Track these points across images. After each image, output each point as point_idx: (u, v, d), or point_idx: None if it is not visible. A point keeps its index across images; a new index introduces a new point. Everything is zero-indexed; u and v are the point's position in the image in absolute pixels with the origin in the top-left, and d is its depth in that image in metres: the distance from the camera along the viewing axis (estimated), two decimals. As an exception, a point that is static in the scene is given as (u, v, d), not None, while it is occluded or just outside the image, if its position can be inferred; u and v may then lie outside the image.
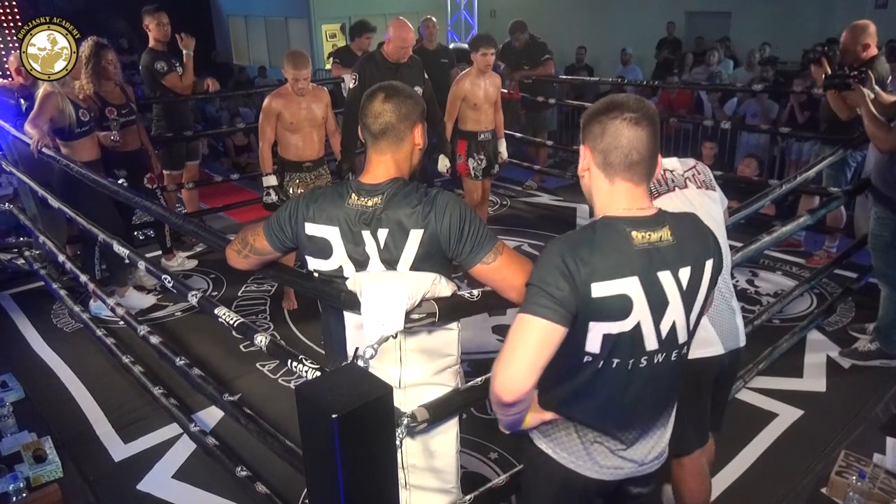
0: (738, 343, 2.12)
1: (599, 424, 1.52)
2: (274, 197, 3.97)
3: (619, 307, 1.37)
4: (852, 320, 3.90)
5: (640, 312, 1.39)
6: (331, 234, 1.74)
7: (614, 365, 1.43)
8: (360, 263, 1.74)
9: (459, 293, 1.80)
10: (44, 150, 3.72)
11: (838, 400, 3.20)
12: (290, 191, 3.98)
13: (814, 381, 3.35)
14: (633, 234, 1.38)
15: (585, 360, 1.42)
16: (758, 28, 9.76)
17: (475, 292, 1.80)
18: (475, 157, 4.65)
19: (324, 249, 1.77)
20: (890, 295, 3.33)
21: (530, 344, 1.35)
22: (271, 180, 3.97)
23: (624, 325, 1.39)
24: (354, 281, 1.70)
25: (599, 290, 1.35)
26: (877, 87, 3.32)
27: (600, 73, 10.07)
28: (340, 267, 1.77)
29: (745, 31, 10.09)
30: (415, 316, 1.67)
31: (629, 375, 1.45)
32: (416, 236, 1.70)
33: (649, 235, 1.39)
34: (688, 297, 1.44)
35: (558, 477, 1.58)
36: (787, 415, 3.09)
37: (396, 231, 1.70)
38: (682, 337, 1.47)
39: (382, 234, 1.71)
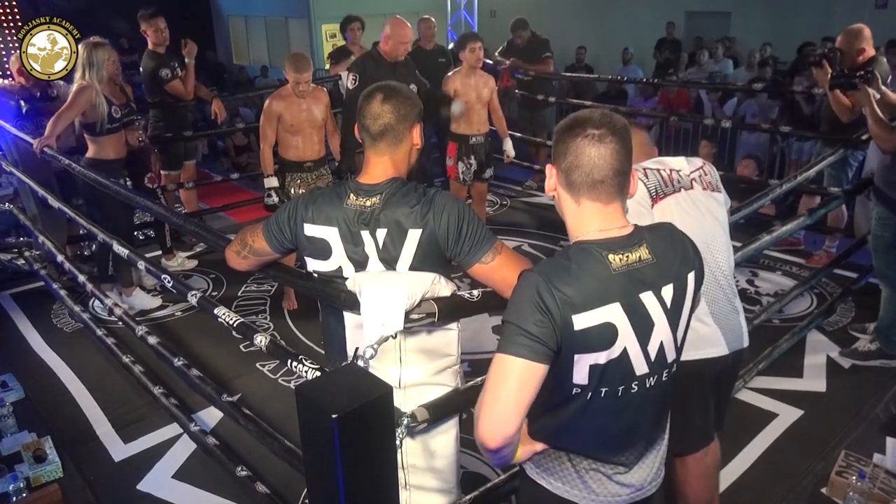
0: (741, 344, 2.13)
1: (593, 453, 1.46)
2: (275, 198, 3.97)
3: (603, 336, 1.32)
4: (852, 320, 3.90)
5: (626, 338, 1.34)
6: (330, 234, 1.75)
7: (603, 394, 1.37)
8: (360, 264, 1.75)
9: (459, 293, 1.80)
10: (46, 149, 3.72)
11: (838, 400, 3.20)
12: (292, 191, 3.99)
13: (814, 381, 3.35)
14: (611, 257, 1.32)
15: (574, 391, 1.37)
16: (758, 28, 9.76)
17: (475, 292, 1.79)
18: (465, 160, 4.61)
19: (323, 250, 1.77)
20: (890, 296, 3.33)
21: (511, 386, 1.29)
22: (272, 182, 3.98)
23: (611, 354, 1.33)
24: (354, 281, 1.71)
25: (581, 321, 1.29)
26: (883, 88, 3.32)
27: (600, 72, 10.05)
28: (340, 267, 1.78)
29: (745, 31, 10.08)
30: (414, 316, 1.67)
31: (620, 403, 1.39)
32: (414, 236, 1.70)
33: (627, 257, 1.33)
34: (673, 314, 1.39)
35: None
36: (787, 415, 3.09)
37: (395, 231, 1.71)
38: (670, 356, 1.42)
39: (381, 234, 1.72)
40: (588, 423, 1.41)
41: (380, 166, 1.77)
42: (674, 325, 1.40)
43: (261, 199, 6.09)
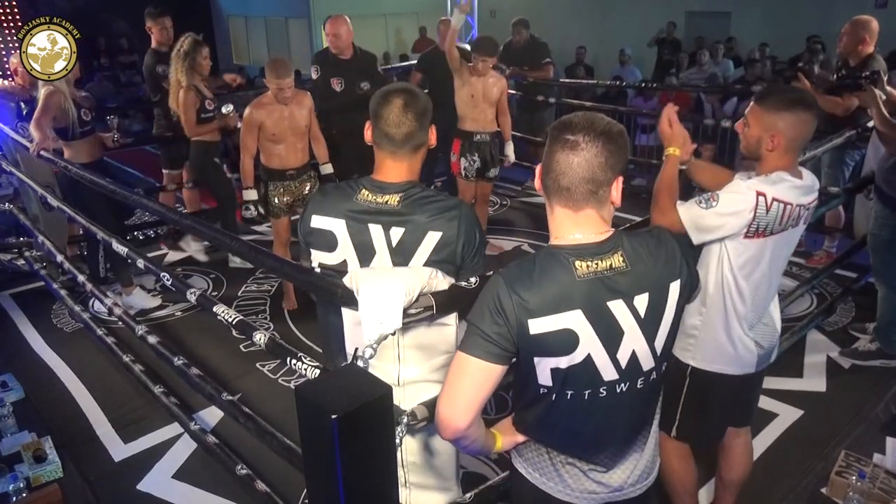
0: (769, 361, 2.16)
1: (566, 449, 1.48)
2: (254, 211, 3.90)
3: (562, 342, 1.32)
4: (852, 320, 3.90)
5: (590, 345, 1.33)
6: (336, 226, 1.77)
7: (569, 396, 1.38)
8: (367, 256, 1.76)
9: (456, 284, 1.79)
10: (42, 153, 3.72)
11: (838, 400, 3.20)
12: (276, 200, 3.92)
13: (814, 381, 3.36)
14: (577, 263, 1.32)
15: (541, 391, 1.39)
16: (758, 28, 9.76)
17: (472, 280, 1.78)
18: (468, 157, 4.55)
19: (329, 242, 1.79)
20: (887, 295, 3.33)
21: (466, 383, 1.33)
22: (251, 195, 3.89)
23: (573, 359, 1.33)
24: (351, 278, 1.70)
25: (537, 326, 1.30)
26: (888, 88, 3.32)
27: (600, 72, 10.06)
28: (344, 260, 1.79)
29: (745, 31, 10.09)
30: (412, 311, 1.66)
31: (588, 406, 1.39)
32: (433, 238, 1.73)
33: (596, 264, 1.32)
34: (648, 323, 1.37)
35: (533, 498, 1.54)
36: (787, 415, 3.10)
37: (413, 230, 1.73)
38: (646, 364, 1.40)
39: (397, 231, 1.74)
40: (558, 421, 1.43)
41: (395, 169, 1.78)
42: (649, 333, 1.38)
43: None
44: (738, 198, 1.86)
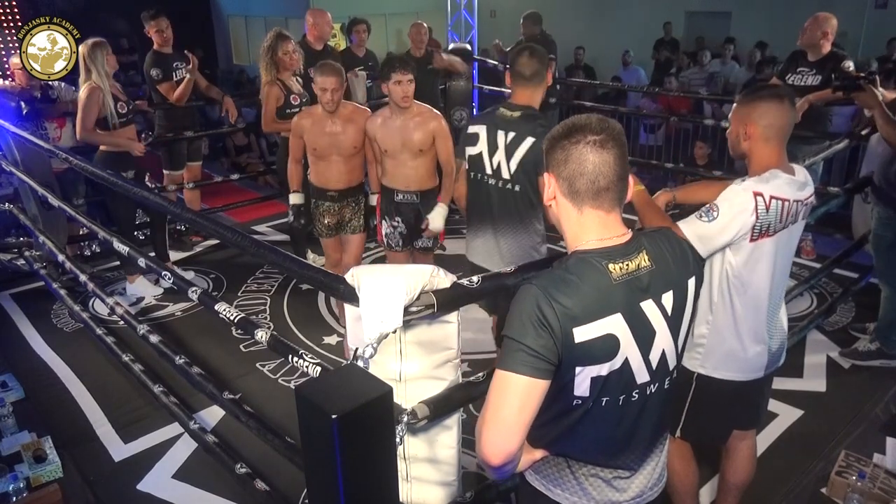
0: (778, 364, 2.15)
1: (592, 458, 1.44)
2: (292, 218, 3.73)
3: (605, 348, 1.29)
4: (852, 320, 3.90)
5: (628, 348, 1.31)
6: (481, 129, 2.72)
7: (604, 404, 1.36)
8: (493, 150, 2.68)
9: (458, 282, 1.80)
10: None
11: (838, 400, 3.21)
12: (320, 219, 3.67)
13: (814, 381, 3.36)
14: (611, 266, 1.30)
15: (575, 403, 1.35)
16: (758, 28, 9.76)
17: (475, 278, 1.78)
18: (388, 220, 3.50)
19: (474, 139, 2.74)
20: (890, 295, 3.33)
21: (512, 403, 1.26)
22: (294, 198, 3.68)
23: (613, 364, 1.31)
24: (353, 274, 1.71)
25: (582, 334, 1.26)
26: (881, 89, 3.31)
27: (599, 72, 10.06)
28: (481, 153, 2.72)
29: (745, 31, 10.08)
30: (413, 309, 1.66)
31: (620, 411, 1.38)
32: (528, 142, 2.58)
33: (627, 265, 1.31)
34: (674, 321, 1.37)
35: None
36: (787, 415, 3.10)
37: (518, 135, 2.60)
38: (672, 363, 1.40)
39: (510, 135, 2.61)
40: (587, 431, 1.40)
41: (522, 96, 2.66)
42: (675, 331, 1.38)
43: (260, 198, 6.11)
44: (737, 202, 1.87)
